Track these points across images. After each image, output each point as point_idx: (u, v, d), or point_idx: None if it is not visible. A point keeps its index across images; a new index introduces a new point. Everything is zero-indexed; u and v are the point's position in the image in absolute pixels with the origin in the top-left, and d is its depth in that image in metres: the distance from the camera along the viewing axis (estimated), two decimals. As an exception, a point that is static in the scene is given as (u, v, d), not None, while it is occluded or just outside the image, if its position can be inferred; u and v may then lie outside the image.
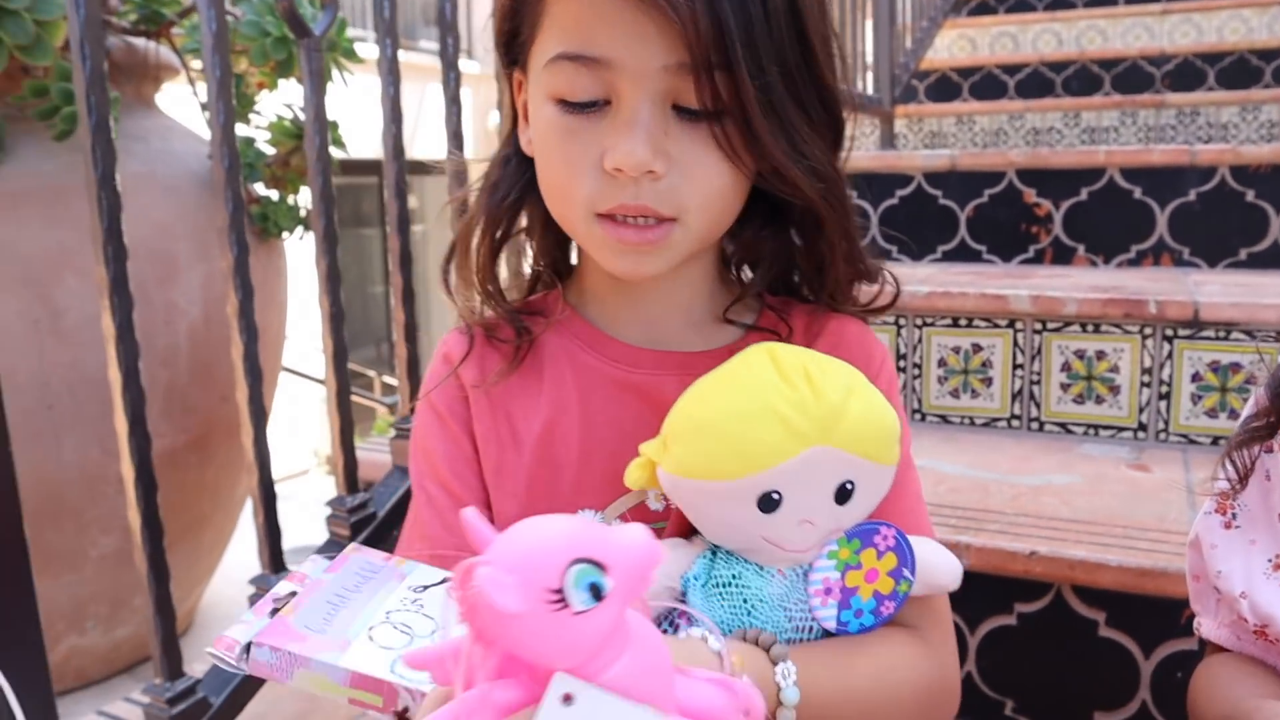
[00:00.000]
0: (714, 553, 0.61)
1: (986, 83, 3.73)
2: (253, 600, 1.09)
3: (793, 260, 0.74)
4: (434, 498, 0.72)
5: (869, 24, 3.15)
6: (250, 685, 1.06)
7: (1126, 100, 3.23)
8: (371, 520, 1.19)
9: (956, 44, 4.13)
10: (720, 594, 0.59)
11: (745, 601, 0.59)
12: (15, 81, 1.21)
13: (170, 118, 1.57)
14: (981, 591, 1.11)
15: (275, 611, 0.59)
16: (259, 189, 1.53)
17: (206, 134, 1.56)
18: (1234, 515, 0.78)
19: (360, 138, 1.33)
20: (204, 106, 1.30)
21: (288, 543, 1.97)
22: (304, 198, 1.61)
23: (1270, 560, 0.73)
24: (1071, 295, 1.46)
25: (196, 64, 1.48)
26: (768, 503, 0.56)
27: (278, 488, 1.11)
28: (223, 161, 0.98)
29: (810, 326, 0.72)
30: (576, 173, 0.62)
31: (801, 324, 0.72)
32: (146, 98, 1.53)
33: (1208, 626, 0.76)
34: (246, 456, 1.06)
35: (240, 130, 1.49)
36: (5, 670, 0.81)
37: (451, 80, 1.25)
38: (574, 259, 0.77)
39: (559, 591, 0.39)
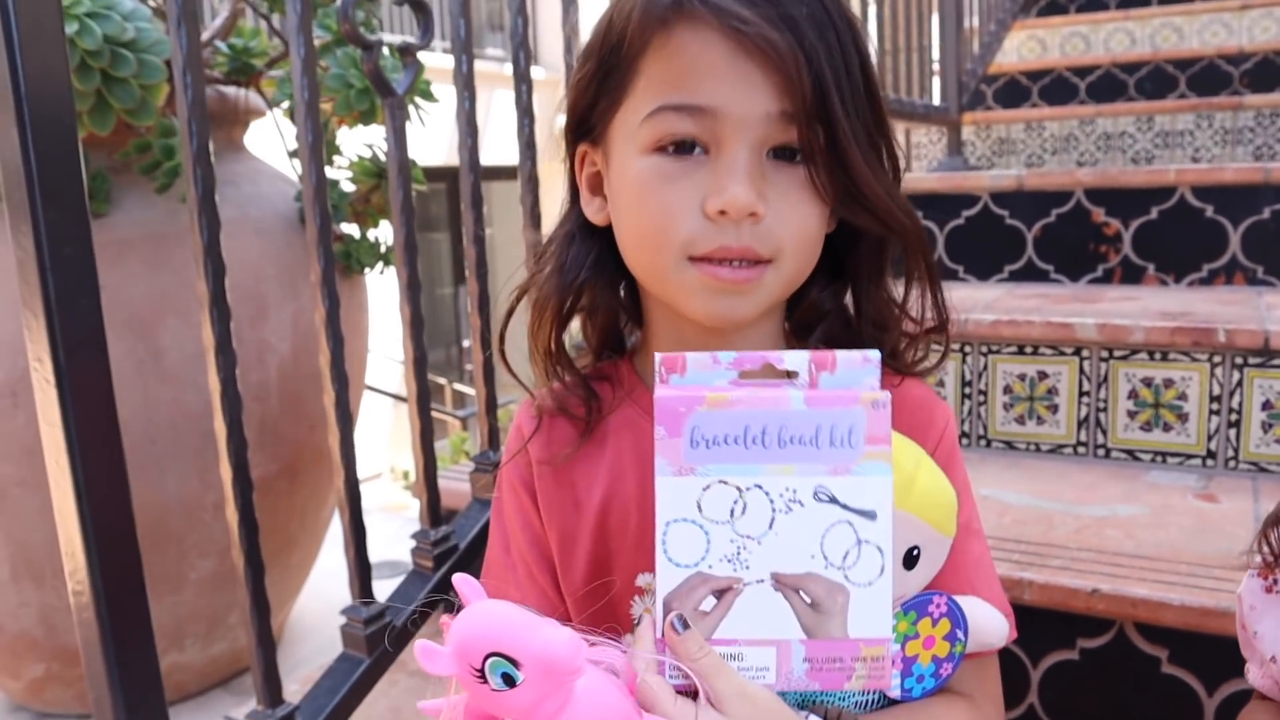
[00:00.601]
0: None
1: (1056, 86, 3.69)
2: (345, 630, 1.15)
3: (851, 323, 0.78)
4: (507, 556, 0.78)
5: (935, 31, 3.14)
6: (344, 708, 1.12)
7: (1202, 103, 3.17)
8: (454, 552, 1.25)
9: (1026, 46, 4.07)
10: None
11: None
12: (121, 139, 1.29)
13: (257, 159, 1.64)
14: (1044, 626, 1.13)
15: (745, 375, 0.58)
16: (342, 227, 1.60)
17: (291, 172, 1.64)
18: (1275, 581, 0.79)
19: (429, 144, 1.38)
20: (292, 154, 1.37)
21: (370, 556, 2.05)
22: (384, 231, 1.68)
23: None
24: (1139, 323, 1.46)
25: (283, 99, 1.55)
26: None
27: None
28: (315, 220, 1.04)
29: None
30: (676, 217, 0.65)
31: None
32: (236, 141, 1.61)
33: (1254, 674, 0.78)
34: (338, 495, 1.12)
35: (327, 174, 1.56)
36: (125, 687, 0.89)
37: (524, 92, 1.31)
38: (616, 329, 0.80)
39: (480, 671, 0.50)
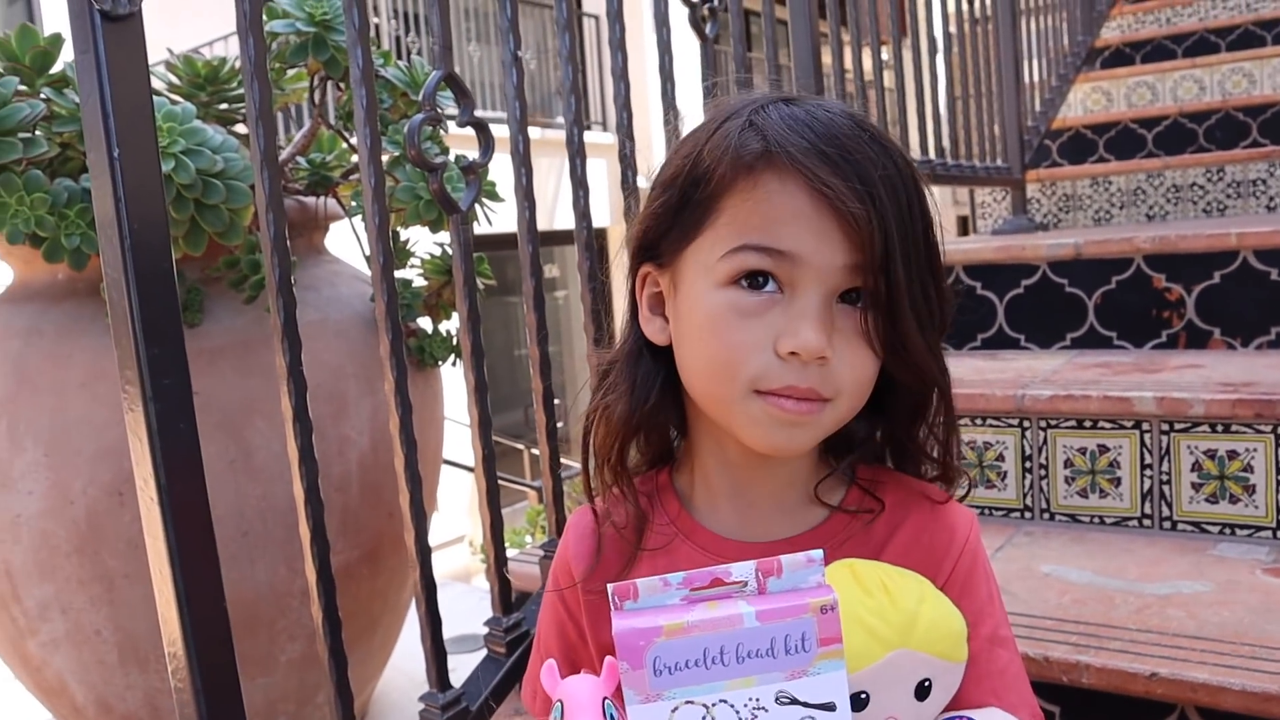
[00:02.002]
0: None
1: (1123, 138, 3.67)
2: (423, 716, 1.21)
3: (880, 454, 0.82)
4: (542, 653, 0.84)
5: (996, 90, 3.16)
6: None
7: (1274, 150, 3.13)
8: (526, 638, 1.30)
9: (1090, 98, 4.06)
10: None
11: None
12: (212, 256, 1.40)
13: (336, 260, 1.75)
14: (1104, 709, 1.14)
15: (695, 593, 0.60)
16: (416, 321, 1.69)
17: (368, 272, 1.74)
18: None
19: (505, 211, 1.46)
20: (369, 260, 1.47)
21: (447, 629, 2.12)
22: (456, 323, 1.76)
23: None
24: (1199, 396, 1.46)
25: (359, 210, 1.65)
26: (856, 702, 0.63)
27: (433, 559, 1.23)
28: (387, 334, 1.13)
29: (899, 505, 0.77)
30: (747, 353, 0.68)
31: (890, 500, 0.77)
32: (316, 245, 1.72)
33: None
34: (415, 587, 1.19)
35: (399, 274, 1.65)
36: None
37: (579, 165, 1.38)
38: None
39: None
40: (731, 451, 0.76)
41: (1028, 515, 1.61)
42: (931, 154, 2.58)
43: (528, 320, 1.35)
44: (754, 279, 0.68)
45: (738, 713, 0.58)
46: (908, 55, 2.55)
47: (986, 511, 1.63)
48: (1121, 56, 4.34)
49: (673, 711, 0.57)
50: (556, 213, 7.73)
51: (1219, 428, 1.46)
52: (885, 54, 2.46)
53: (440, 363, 1.68)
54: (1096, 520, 1.56)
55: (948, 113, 2.87)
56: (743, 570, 0.59)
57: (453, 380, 1.83)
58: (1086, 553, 1.46)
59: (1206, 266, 1.87)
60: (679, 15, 1.56)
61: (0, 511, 1.42)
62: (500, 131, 1.23)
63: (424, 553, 1.18)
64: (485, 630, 1.31)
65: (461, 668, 1.30)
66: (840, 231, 0.67)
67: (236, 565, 1.46)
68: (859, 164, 0.67)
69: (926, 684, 0.65)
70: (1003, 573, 1.39)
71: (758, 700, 0.58)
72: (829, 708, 0.58)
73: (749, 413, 0.70)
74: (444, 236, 1.68)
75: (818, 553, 0.59)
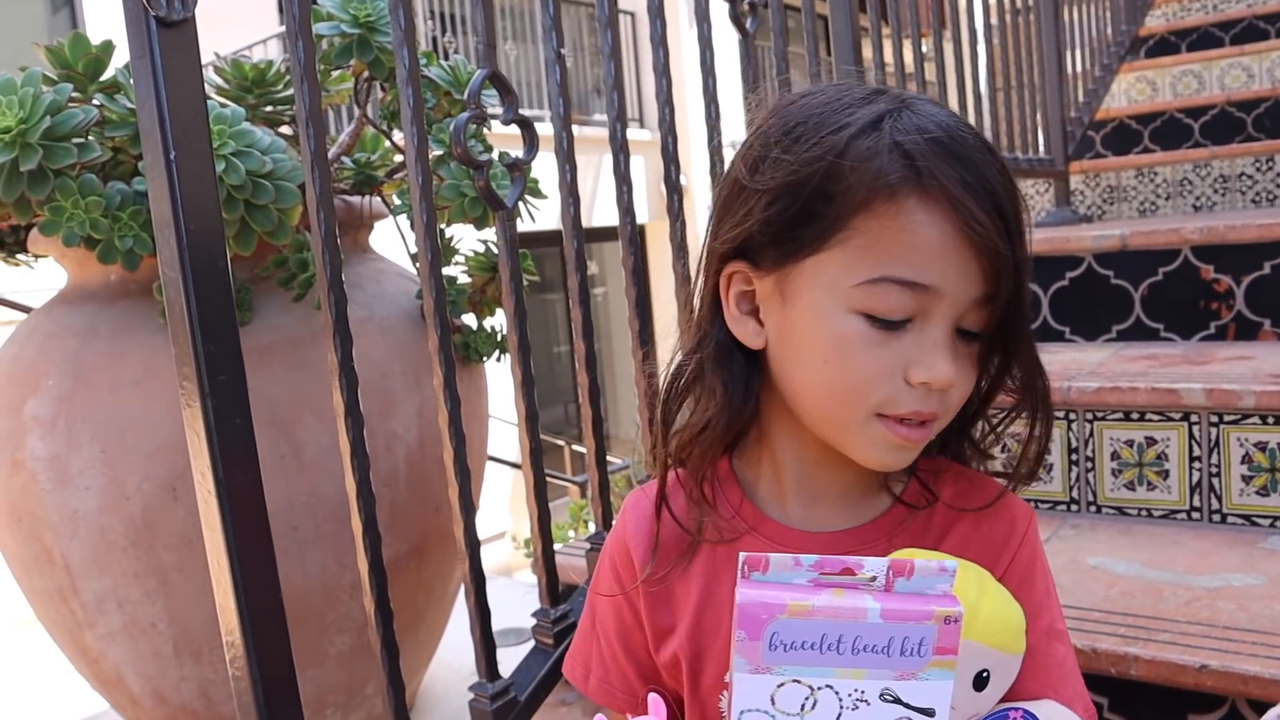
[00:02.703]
0: None
1: (1168, 128, 3.61)
2: (473, 706, 1.23)
3: (949, 446, 0.82)
4: (593, 629, 0.86)
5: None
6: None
7: (1325, 140, 3.07)
8: (573, 629, 1.32)
9: (1135, 88, 4.01)
10: None
11: None
12: (261, 255, 1.42)
13: (383, 259, 1.77)
14: (1154, 701, 1.13)
15: (824, 578, 0.60)
16: (462, 318, 1.71)
17: (412, 269, 1.76)
18: None
19: (545, 209, 1.47)
20: (414, 258, 1.49)
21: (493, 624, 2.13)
22: (500, 319, 1.78)
23: None
24: (1249, 387, 1.45)
25: (404, 208, 1.68)
26: None
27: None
28: (435, 329, 1.15)
29: (959, 497, 0.78)
30: (877, 381, 0.68)
31: (949, 492, 0.78)
32: (361, 243, 1.74)
33: None
34: (464, 579, 1.21)
35: (444, 271, 1.67)
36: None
37: (622, 161, 1.38)
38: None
39: None
40: (810, 449, 0.76)
41: (1074, 508, 1.60)
42: (972, 146, 2.56)
43: (573, 315, 1.36)
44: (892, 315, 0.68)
45: (840, 700, 0.59)
46: (948, 48, 2.54)
47: (1034, 504, 1.62)
48: (1167, 45, 4.27)
49: (778, 687, 0.59)
50: (595, 209, 7.76)
51: (1270, 419, 1.44)
52: (925, 46, 2.44)
53: (485, 358, 1.69)
54: (1144, 513, 1.55)
55: (989, 104, 2.85)
56: (875, 565, 0.60)
57: (495, 376, 1.85)
58: (1134, 545, 1.45)
59: (1256, 257, 1.84)
60: (719, 10, 1.56)
61: (59, 507, 1.45)
62: (543, 130, 1.24)
63: (473, 545, 1.19)
64: (532, 623, 1.32)
65: (506, 660, 1.31)
66: (979, 267, 0.67)
67: (286, 559, 1.48)
68: (996, 195, 0.67)
69: (985, 674, 0.65)
70: (1051, 565, 1.38)
71: (862, 693, 0.59)
72: (929, 713, 0.59)
73: (868, 435, 0.71)
74: (488, 233, 1.70)
75: (951, 562, 0.60)
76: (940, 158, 0.67)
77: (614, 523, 0.88)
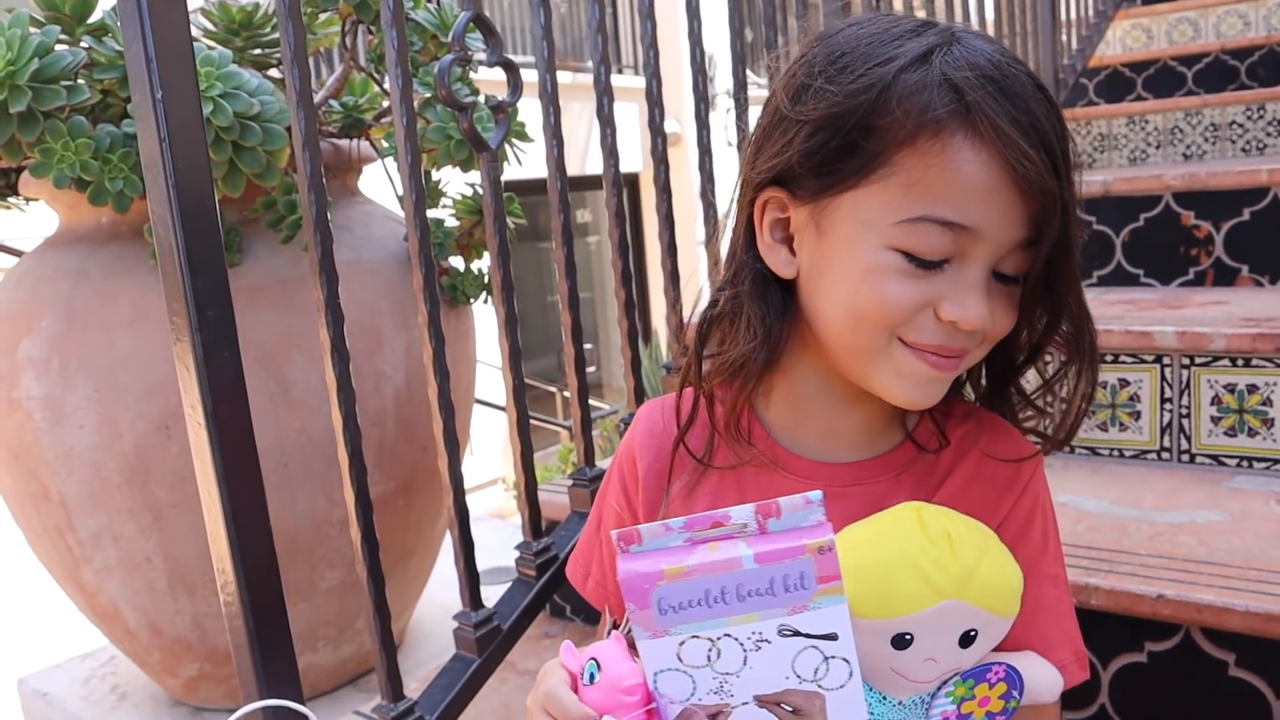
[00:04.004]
0: None
1: (1162, 76, 3.61)
2: (457, 634, 1.27)
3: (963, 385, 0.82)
4: (596, 535, 0.88)
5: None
6: (458, 704, 1.24)
7: (1316, 88, 3.07)
8: (554, 561, 1.36)
9: (1130, 35, 3.99)
10: None
11: None
12: (250, 198, 1.44)
13: (370, 202, 1.79)
14: (1112, 629, 1.18)
15: (697, 536, 0.62)
16: (449, 260, 1.74)
17: (400, 212, 1.78)
18: None
19: (536, 154, 1.48)
20: (400, 199, 1.51)
21: (482, 562, 2.18)
22: (487, 261, 1.80)
23: None
24: (1220, 330, 1.48)
25: (390, 151, 1.69)
26: (900, 641, 0.66)
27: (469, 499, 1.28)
28: (420, 268, 1.17)
29: (966, 438, 0.78)
30: (904, 312, 0.68)
31: (958, 434, 0.78)
32: (350, 187, 1.76)
33: None
34: (449, 514, 1.25)
35: (431, 214, 1.69)
36: (269, 680, 1.02)
37: (605, 104, 1.41)
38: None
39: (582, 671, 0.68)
40: (831, 383, 0.76)
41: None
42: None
43: (556, 255, 1.39)
44: (931, 255, 0.67)
45: (742, 645, 0.62)
46: (939, -7, 2.53)
47: (1007, 446, 1.66)
48: (1163, -8, 4.25)
49: (680, 645, 0.62)
50: (589, 157, 7.71)
51: (1239, 362, 1.47)
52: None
53: (472, 300, 1.72)
54: (1116, 453, 1.59)
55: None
56: (742, 514, 0.62)
57: (488, 321, 1.88)
58: (1104, 483, 1.49)
59: (1236, 203, 1.86)
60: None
61: (54, 445, 1.48)
62: (530, 76, 1.26)
63: (457, 480, 1.23)
64: (516, 555, 1.36)
65: (495, 597, 1.35)
66: (1024, 207, 0.65)
67: (277, 496, 1.52)
68: (1046, 134, 0.65)
69: (972, 634, 0.67)
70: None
71: (761, 634, 0.62)
72: (831, 637, 0.62)
73: (892, 363, 0.70)
74: (475, 177, 1.71)
75: (816, 494, 0.61)
76: (990, 94, 0.65)
77: (625, 433, 0.90)
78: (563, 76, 1.30)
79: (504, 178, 1.32)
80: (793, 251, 0.74)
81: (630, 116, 8.35)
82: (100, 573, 1.57)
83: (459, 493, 1.24)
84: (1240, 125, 3.17)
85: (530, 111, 1.36)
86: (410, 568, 1.84)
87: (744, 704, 0.63)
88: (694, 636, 0.61)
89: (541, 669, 0.71)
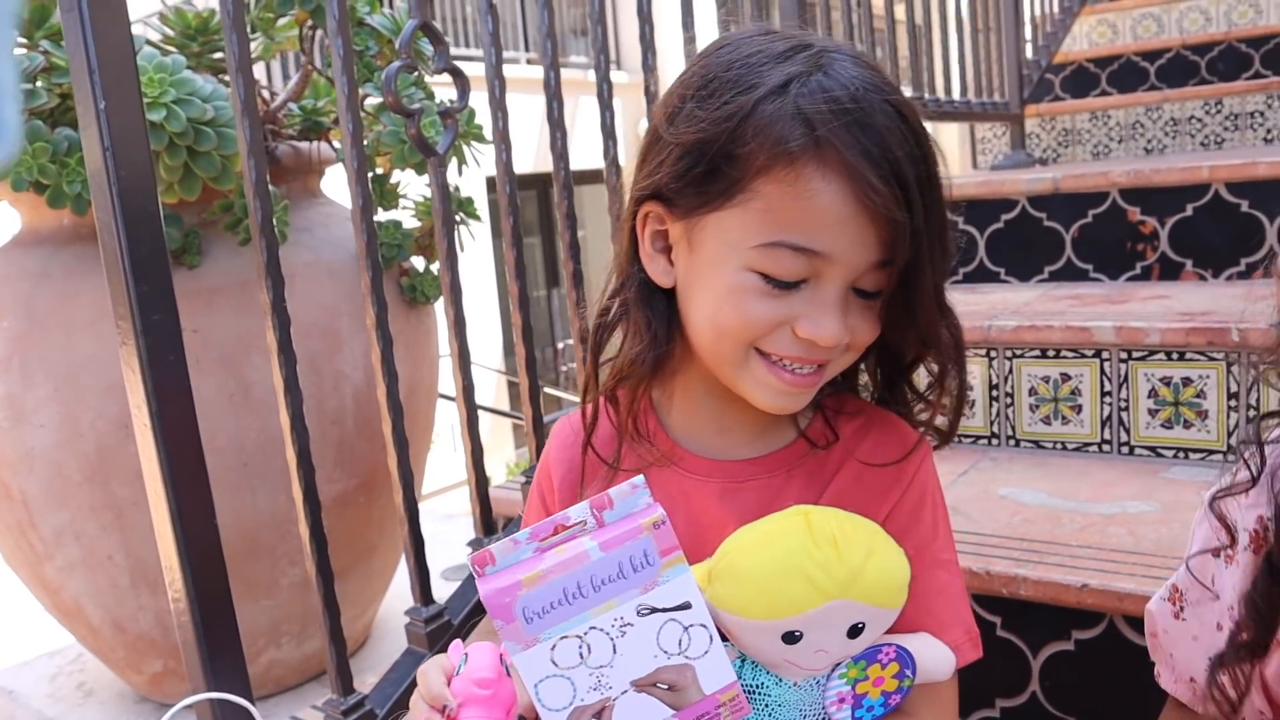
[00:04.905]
0: (743, 660, 0.73)
1: (1125, 71, 3.65)
2: (408, 629, 1.30)
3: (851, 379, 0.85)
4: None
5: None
6: (408, 697, 1.27)
7: (1271, 82, 3.12)
8: (505, 557, 1.39)
9: (1096, 31, 4.04)
10: (748, 699, 0.72)
11: (767, 707, 0.73)
12: (208, 201, 1.46)
13: (332, 204, 1.81)
14: (1042, 618, 1.22)
15: (544, 544, 0.65)
16: (409, 261, 1.76)
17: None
18: (1181, 609, 0.85)
19: (520, 153, 1.50)
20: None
21: (450, 560, 2.20)
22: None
23: (1209, 658, 0.79)
24: (1155, 325, 1.52)
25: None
26: (790, 638, 0.69)
27: (446, 498, 1.32)
28: (368, 271, 1.20)
29: (856, 434, 0.81)
30: (762, 327, 0.71)
31: (849, 430, 0.82)
32: (312, 189, 1.78)
33: (1165, 679, 0.86)
34: (398, 510, 1.28)
35: (391, 215, 1.72)
36: (217, 675, 1.05)
37: (608, 119, 1.47)
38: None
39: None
40: (718, 384, 0.79)
41: (994, 442, 1.68)
42: (925, 91, 2.60)
43: (506, 257, 1.42)
44: (786, 277, 0.70)
45: (608, 634, 0.65)
46: (899, -8, 2.56)
47: (955, 439, 1.70)
48: (1129, -13, 4.30)
49: (552, 650, 0.65)
50: (576, 152, 7.71)
51: (1174, 355, 1.52)
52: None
53: (431, 300, 1.75)
54: (1059, 446, 1.63)
55: (940, 49, 2.88)
56: (579, 512, 0.66)
57: (475, 317, 1.91)
58: (1045, 475, 1.53)
59: (1180, 199, 1.90)
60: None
61: (15, 444, 1.51)
62: (511, 73, 1.28)
63: (406, 477, 1.26)
64: (468, 550, 1.39)
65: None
66: (875, 235, 0.69)
67: (238, 494, 1.55)
68: (899, 163, 0.68)
69: (859, 626, 0.70)
70: (962, 495, 1.46)
71: (622, 619, 0.65)
72: (685, 607, 0.66)
73: (751, 373, 0.74)
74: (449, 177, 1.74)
75: (639, 479, 0.66)
76: (842, 125, 0.67)
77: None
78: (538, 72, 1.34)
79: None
80: (671, 262, 0.78)
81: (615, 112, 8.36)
82: (63, 570, 1.60)
83: (408, 489, 1.27)
84: (1199, 120, 3.23)
85: (514, 108, 1.40)
86: (374, 564, 1.87)
87: (623, 693, 0.67)
88: (563, 638, 0.65)
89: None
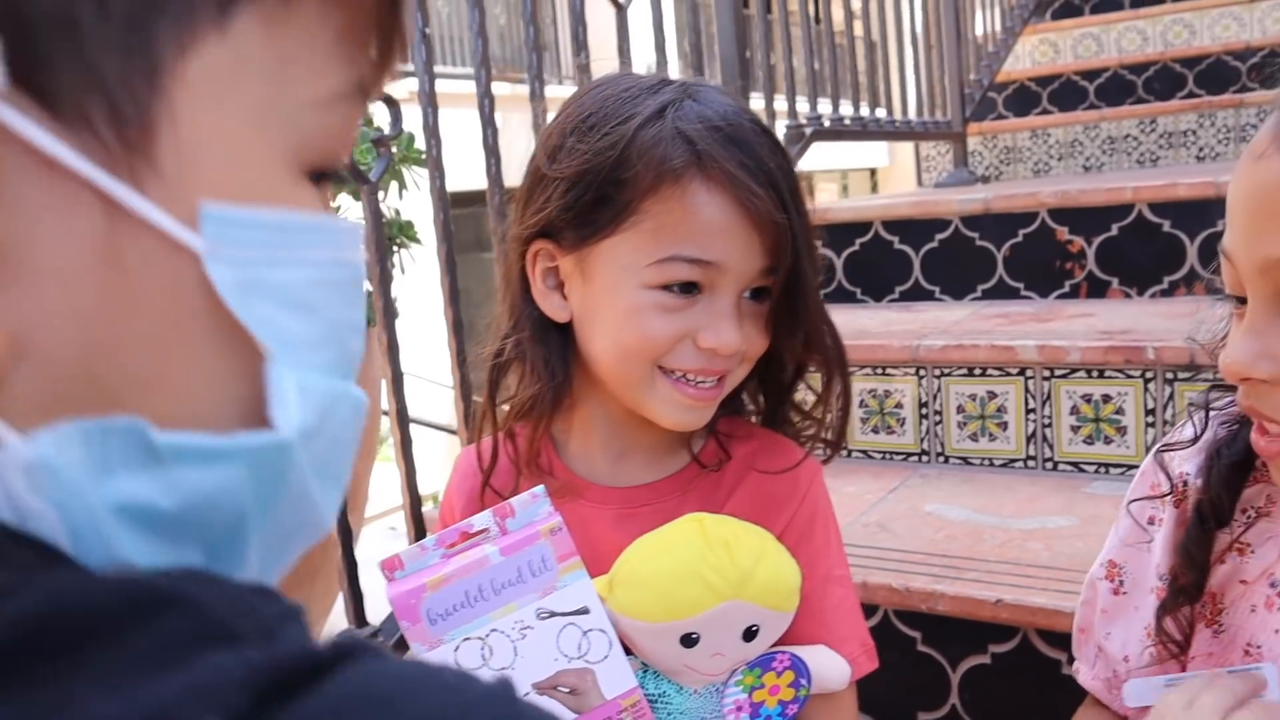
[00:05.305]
0: (645, 670, 0.76)
1: (1065, 90, 3.74)
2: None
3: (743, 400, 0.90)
4: None
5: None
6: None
7: (1203, 103, 3.22)
8: (440, 579, 1.41)
9: (1038, 50, 4.12)
10: (650, 707, 0.75)
11: (669, 715, 0.75)
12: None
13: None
14: (959, 633, 1.25)
15: (450, 550, 0.67)
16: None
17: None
18: (1121, 583, 0.90)
19: (461, 171, 1.52)
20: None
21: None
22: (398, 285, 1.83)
23: (1145, 628, 0.85)
24: (1075, 344, 1.56)
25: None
26: (688, 640, 0.72)
27: (399, 515, 1.32)
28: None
29: (747, 456, 0.85)
30: (665, 343, 0.75)
31: (741, 453, 0.85)
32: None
33: (1084, 675, 0.89)
34: (334, 535, 1.29)
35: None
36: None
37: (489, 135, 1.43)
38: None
39: None
40: (616, 411, 0.83)
41: (924, 459, 1.71)
42: (865, 111, 2.65)
43: (442, 282, 1.43)
44: (685, 286, 0.74)
45: (509, 637, 0.68)
46: (838, 10, 2.61)
47: (887, 456, 1.74)
48: (1071, 8, 4.38)
49: (455, 651, 0.67)
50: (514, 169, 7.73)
51: (1093, 373, 1.56)
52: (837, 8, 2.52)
53: (371, 324, 1.76)
54: (986, 462, 1.67)
55: (882, 68, 2.94)
56: (483, 519, 0.69)
57: (423, 337, 1.91)
58: (972, 492, 1.57)
59: (1105, 219, 1.96)
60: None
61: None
62: (464, 87, 1.29)
63: (341, 517, 1.27)
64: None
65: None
66: (760, 240, 0.74)
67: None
68: (771, 172, 0.74)
69: (754, 629, 0.74)
70: (890, 513, 1.50)
71: (523, 622, 0.68)
72: (583, 611, 0.68)
73: (657, 392, 0.77)
74: (393, 201, 1.76)
75: (540, 488, 0.69)
76: (719, 142, 0.73)
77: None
78: (502, 88, 1.37)
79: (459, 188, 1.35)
80: (564, 296, 0.81)
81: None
82: None
83: (341, 515, 1.28)
84: (1135, 138, 3.31)
85: (461, 124, 1.42)
86: (319, 585, 1.88)
87: (524, 695, 0.68)
88: (465, 639, 0.67)
89: None
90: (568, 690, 0.69)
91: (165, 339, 0.27)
